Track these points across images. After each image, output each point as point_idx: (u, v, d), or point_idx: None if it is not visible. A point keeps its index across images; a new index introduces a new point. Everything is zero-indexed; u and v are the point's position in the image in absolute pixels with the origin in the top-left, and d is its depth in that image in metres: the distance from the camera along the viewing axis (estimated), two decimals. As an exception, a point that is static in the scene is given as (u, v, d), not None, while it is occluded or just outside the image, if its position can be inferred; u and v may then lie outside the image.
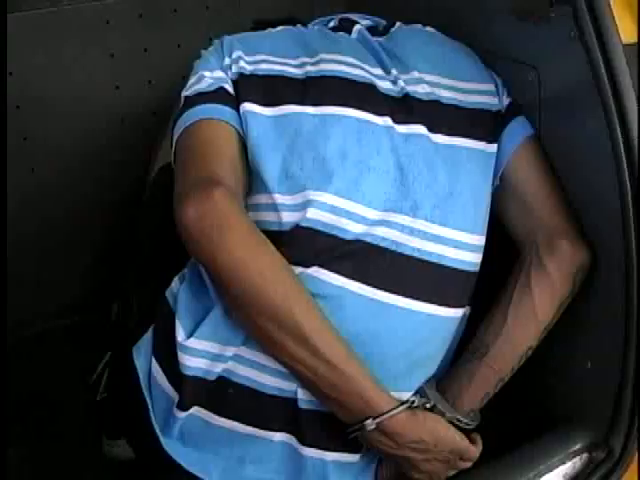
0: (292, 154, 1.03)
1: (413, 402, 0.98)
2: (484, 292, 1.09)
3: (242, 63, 1.09)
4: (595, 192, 1.07)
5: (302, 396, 0.99)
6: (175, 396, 1.01)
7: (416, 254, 1.02)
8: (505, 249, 1.13)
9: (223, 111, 1.05)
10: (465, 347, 1.09)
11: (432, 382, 1.06)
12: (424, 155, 1.07)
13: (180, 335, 1.00)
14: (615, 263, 1.04)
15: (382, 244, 1.01)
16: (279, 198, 1.02)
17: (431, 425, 0.98)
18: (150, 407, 1.03)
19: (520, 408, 1.04)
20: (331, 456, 1.01)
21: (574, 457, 1.11)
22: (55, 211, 1.65)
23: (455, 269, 1.05)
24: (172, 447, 1.02)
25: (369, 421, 0.94)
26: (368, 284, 0.99)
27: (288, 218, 1.01)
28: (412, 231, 1.03)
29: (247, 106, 1.05)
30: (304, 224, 1.00)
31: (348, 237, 1.00)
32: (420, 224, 1.03)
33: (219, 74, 1.09)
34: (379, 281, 1.00)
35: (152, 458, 1.06)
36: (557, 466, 1.09)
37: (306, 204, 1.00)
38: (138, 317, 1.13)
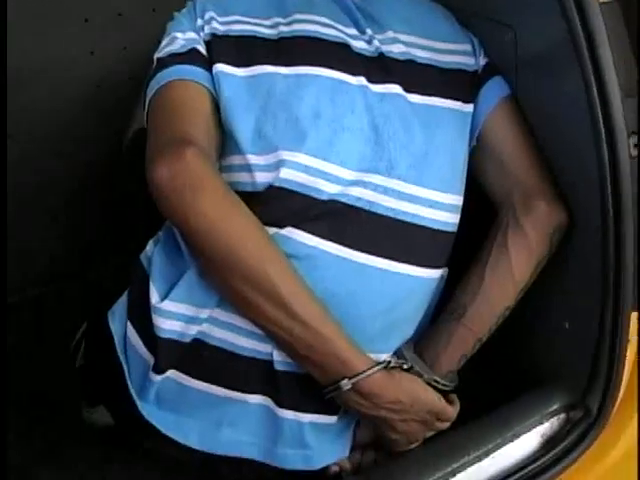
0: (265, 114, 1.02)
1: (389, 362, 0.98)
2: (462, 254, 1.09)
3: (215, 24, 1.08)
4: (572, 152, 1.06)
5: (278, 358, 0.99)
6: (150, 359, 1.01)
7: (391, 214, 1.02)
8: (483, 211, 1.13)
9: (195, 72, 1.04)
10: (443, 308, 1.09)
11: (410, 344, 1.06)
12: (400, 114, 1.06)
13: (154, 298, 1.00)
14: (591, 223, 1.04)
15: (357, 204, 1.01)
16: (252, 159, 1.01)
17: (408, 385, 0.99)
18: (126, 371, 1.03)
19: (498, 369, 1.04)
20: (308, 417, 1.01)
21: (552, 417, 1.11)
22: (31, 176, 1.63)
23: (432, 229, 1.05)
24: (148, 411, 1.02)
25: (345, 381, 0.94)
26: (343, 244, 0.99)
27: (261, 179, 1.00)
28: (386, 191, 1.02)
29: (220, 67, 1.04)
30: (277, 184, 1.00)
31: (323, 197, 1.00)
32: (395, 184, 1.03)
33: (191, 35, 1.08)
34: (354, 241, 0.99)
35: (130, 423, 1.06)
36: (535, 426, 1.10)
37: (279, 164, 1.00)
38: (114, 282, 1.12)
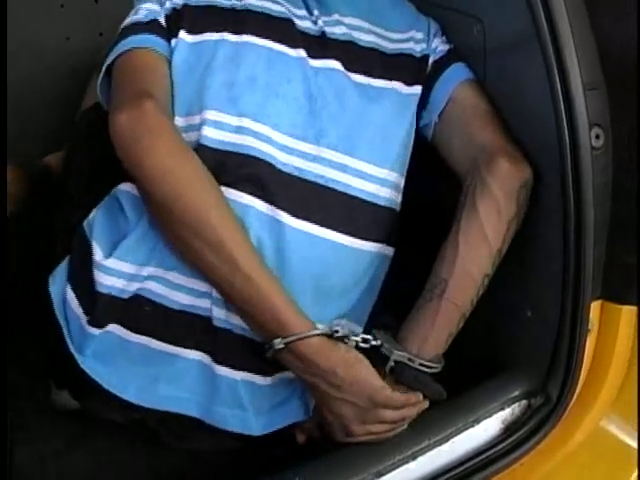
0: (205, 77, 1.07)
1: (336, 332, 0.98)
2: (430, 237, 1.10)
3: None
4: (535, 141, 1.09)
5: (217, 315, 1.01)
6: (86, 317, 1.03)
7: (320, 181, 1.06)
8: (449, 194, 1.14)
9: (156, 41, 1.09)
10: (423, 287, 1.07)
11: (388, 331, 1.05)
12: (335, 87, 1.11)
13: (98, 255, 1.03)
14: (554, 213, 1.06)
15: (284, 169, 1.05)
16: (178, 120, 1.05)
17: (350, 360, 0.98)
18: (65, 329, 1.05)
19: (460, 356, 1.05)
20: (241, 375, 1.02)
21: (513, 403, 1.13)
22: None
23: (362, 200, 1.08)
24: (88, 365, 1.03)
25: (277, 340, 0.95)
26: (274, 205, 1.02)
27: (193, 137, 1.04)
28: (315, 158, 1.07)
29: (180, 35, 1.09)
30: (206, 143, 1.03)
31: (253, 153, 1.04)
32: (323, 152, 1.07)
33: (154, 7, 1.13)
34: (284, 204, 1.03)
35: (73, 385, 1.09)
36: (496, 412, 1.12)
37: (202, 123, 1.04)
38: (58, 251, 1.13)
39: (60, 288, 1.06)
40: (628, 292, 1.09)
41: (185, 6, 1.12)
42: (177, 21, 1.10)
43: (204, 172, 0.98)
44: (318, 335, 0.97)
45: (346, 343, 1.00)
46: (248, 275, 0.95)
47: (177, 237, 0.98)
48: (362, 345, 1.01)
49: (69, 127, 1.61)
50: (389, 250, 1.12)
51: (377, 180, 1.10)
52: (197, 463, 1.12)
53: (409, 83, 1.15)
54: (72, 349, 1.03)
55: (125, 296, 1.02)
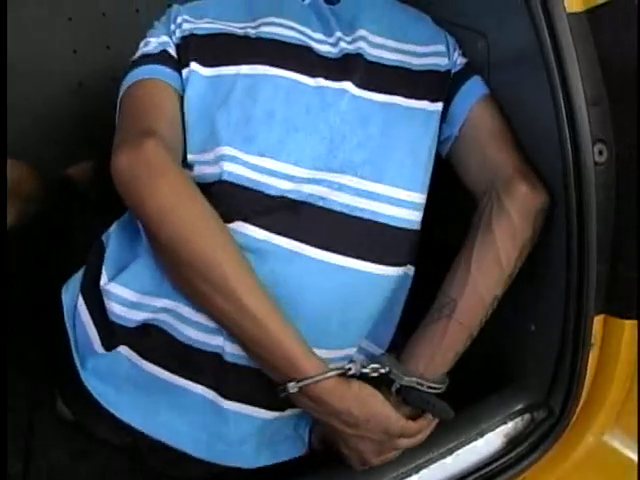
0: (221, 114, 1.04)
1: (349, 369, 0.96)
2: (441, 252, 1.10)
3: (185, 25, 1.11)
4: (538, 156, 1.09)
5: (229, 350, 0.99)
6: (96, 335, 1.02)
7: (345, 210, 1.03)
8: (462, 212, 1.14)
9: (164, 72, 1.07)
10: (431, 306, 1.06)
11: (393, 352, 1.05)
12: (357, 113, 1.08)
13: (103, 279, 1.01)
14: (557, 221, 1.06)
15: (308, 200, 1.02)
16: (194, 157, 1.04)
17: (364, 398, 0.96)
18: (72, 341, 1.04)
19: (464, 370, 1.05)
20: (248, 409, 1.01)
21: (516, 417, 1.13)
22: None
23: (390, 226, 1.05)
24: (90, 382, 1.03)
25: (292, 384, 0.93)
26: (294, 239, 1.00)
27: (207, 173, 1.02)
28: (341, 187, 1.04)
29: (192, 66, 1.07)
30: (224, 178, 1.01)
31: (272, 192, 1.01)
32: (349, 180, 1.04)
33: (164, 39, 1.11)
34: (306, 236, 1.00)
35: (73, 399, 1.09)
36: (499, 425, 1.12)
37: (219, 159, 1.02)
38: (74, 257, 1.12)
39: (72, 297, 1.06)
40: (631, 307, 1.09)
41: (194, 35, 1.10)
42: (187, 50, 1.09)
43: (209, 212, 0.95)
44: (333, 377, 0.94)
45: (358, 377, 0.98)
46: (257, 318, 0.92)
47: (183, 279, 0.95)
48: (373, 375, 0.99)
49: (75, 139, 1.64)
50: (411, 270, 1.10)
51: (407, 204, 1.07)
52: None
53: (433, 100, 1.12)
54: (77, 362, 1.03)
55: (130, 325, 1.00)
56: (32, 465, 1.13)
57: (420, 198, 1.09)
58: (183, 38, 1.10)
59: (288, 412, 1.03)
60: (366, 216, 1.04)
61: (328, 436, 1.04)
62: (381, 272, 1.04)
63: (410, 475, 1.03)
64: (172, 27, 1.12)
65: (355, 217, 1.03)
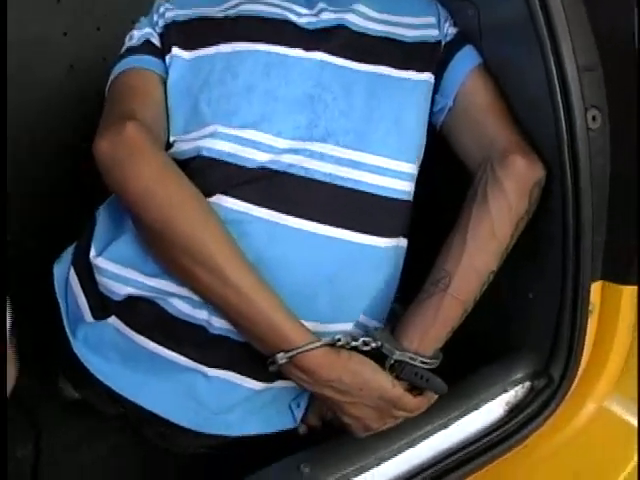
0: (202, 93, 1.06)
1: (339, 340, 0.97)
2: (435, 225, 1.09)
3: (168, 14, 1.13)
4: (532, 121, 1.08)
5: (215, 323, 0.99)
6: (86, 305, 1.04)
7: (328, 179, 1.03)
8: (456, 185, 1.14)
9: (147, 60, 1.09)
10: (425, 280, 1.05)
11: (387, 326, 1.04)
12: (341, 82, 1.08)
13: (91, 252, 1.03)
14: (554, 190, 1.06)
15: (289, 170, 1.02)
16: (187, 136, 1.05)
17: (354, 366, 0.96)
18: (63, 311, 1.06)
19: (463, 339, 1.05)
20: (235, 377, 1.01)
21: (516, 386, 1.14)
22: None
23: (377, 195, 1.04)
24: (81, 351, 1.04)
25: (280, 354, 0.93)
26: (275, 209, 1.00)
27: (187, 148, 1.04)
28: (323, 156, 1.03)
29: (173, 51, 1.09)
30: (204, 154, 1.02)
31: (250, 165, 1.02)
32: (331, 149, 1.04)
33: (147, 30, 1.14)
34: (287, 207, 1.00)
35: (72, 370, 1.09)
36: (499, 394, 1.13)
37: (207, 136, 1.03)
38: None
39: (63, 269, 1.08)
40: (629, 273, 1.09)
41: (174, 22, 1.12)
42: (169, 37, 1.11)
43: (190, 190, 0.96)
44: (322, 346, 0.95)
45: (348, 349, 0.98)
46: (242, 291, 0.93)
47: (168, 257, 0.96)
48: (364, 348, 0.99)
49: (67, 120, 1.63)
50: (404, 242, 1.09)
51: (393, 173, 1.06)
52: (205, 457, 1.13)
53: (421, 70, 1.11)
54: (68, 331, 1.05)
55: (118, 298, 1.01)
56: (42, 444, 1.15)
57: (409, 168, 1.08)
58: (166, 26, 1.12)
59: (278, 383, 1.03)
60: (349, 185, 1.03)
61: (326, 411, 1.05)
62: (370, 243, 1.03)
63: (412, 446, 1.03)
64: (155, 18, 1.14)
65: (338, 186, 1.03)
